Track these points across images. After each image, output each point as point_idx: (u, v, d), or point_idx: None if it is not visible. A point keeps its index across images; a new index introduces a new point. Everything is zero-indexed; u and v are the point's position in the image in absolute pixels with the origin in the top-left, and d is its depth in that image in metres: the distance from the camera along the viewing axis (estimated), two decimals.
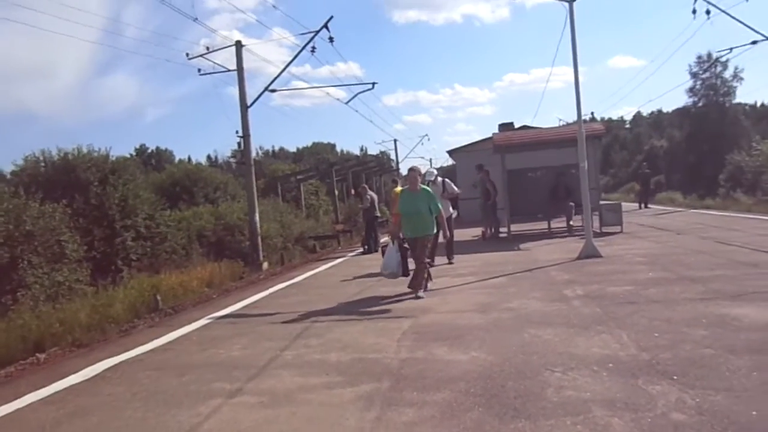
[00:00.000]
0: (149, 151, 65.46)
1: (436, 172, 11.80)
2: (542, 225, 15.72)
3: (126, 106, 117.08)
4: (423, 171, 11.28)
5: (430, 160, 70.25)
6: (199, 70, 17.56)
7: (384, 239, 8.32)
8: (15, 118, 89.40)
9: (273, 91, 18.16)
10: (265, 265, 16.15)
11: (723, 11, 19.03)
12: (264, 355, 5.48)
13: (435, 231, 8.10)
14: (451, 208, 11.01)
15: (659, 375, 4.06)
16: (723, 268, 8.16)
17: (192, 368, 5.25)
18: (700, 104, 40.91)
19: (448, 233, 8.74)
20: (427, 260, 8.00)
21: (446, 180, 11.42)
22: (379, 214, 16.66)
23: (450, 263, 11.11)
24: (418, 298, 7.68)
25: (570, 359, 4.57)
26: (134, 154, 58.25)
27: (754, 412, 3.34)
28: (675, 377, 3.98)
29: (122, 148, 71.31)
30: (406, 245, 8.24)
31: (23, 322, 7.45)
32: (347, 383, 4.48)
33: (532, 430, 3.35)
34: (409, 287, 7.90)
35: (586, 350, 4.80)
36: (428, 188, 8.16)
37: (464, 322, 6.17)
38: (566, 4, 10.96)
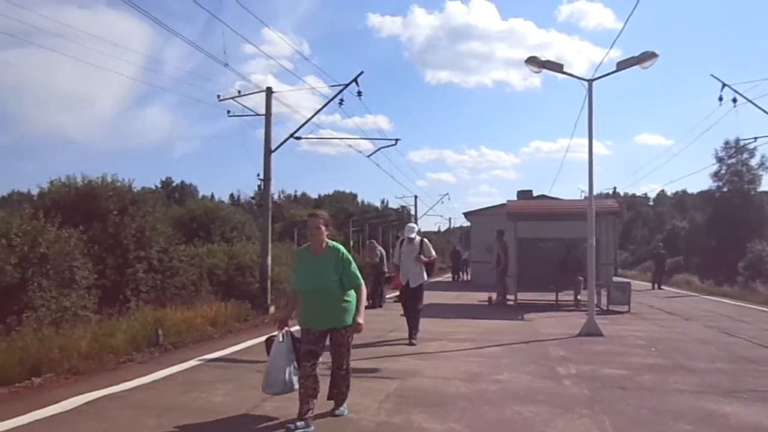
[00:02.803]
0: (174, 184, 66.67)
1: (416, 228, 10.14)
2: (550, 296, 15.64)
3: (157, 139, 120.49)
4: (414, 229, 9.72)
5: (450, 219, 70.68)
6: (228, 111, 18.12)
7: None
8: (52, 142, 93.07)
9: (298, 138, 18.67)
10: (272, 309, 16.22)
11: (749, 101, 19.33)
12: (244, 404, 5.51)
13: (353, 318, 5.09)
14: (425, 275, 9.60)
15: None
16: (723, 361, 8.06)
17: (169, 411, 5.28)
18: (725, 189, 40.76)
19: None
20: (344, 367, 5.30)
21: (425, 240, 9.72)
22: (386, 270, 16.78)
23: (411, 343, 9.27)
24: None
25: None
26: (159, 186, 59.32)
27: None
28: None
29: (150, 179, 72.97)
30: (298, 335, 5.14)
31: (24, 344, 7.54)
32: None
33: None
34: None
35: None
36: (339, 246, 5.22)
37: (450, 390, 6.16)
38: (585, 83, 11.28)
